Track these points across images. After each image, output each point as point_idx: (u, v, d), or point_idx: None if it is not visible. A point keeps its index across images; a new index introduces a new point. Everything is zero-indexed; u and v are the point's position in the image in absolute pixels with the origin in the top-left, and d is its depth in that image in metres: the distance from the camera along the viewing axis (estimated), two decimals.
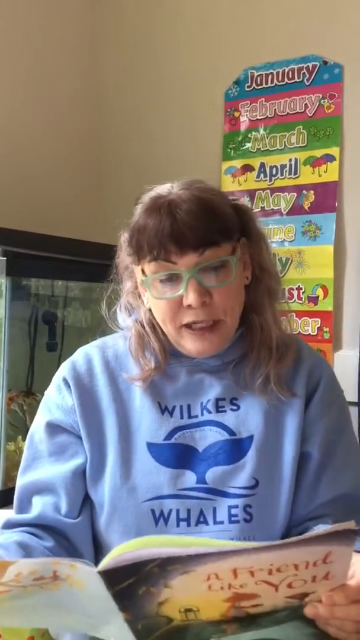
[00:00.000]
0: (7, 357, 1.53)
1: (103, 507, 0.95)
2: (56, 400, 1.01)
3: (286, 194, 1.89)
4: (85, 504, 0.98)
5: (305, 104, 1.87)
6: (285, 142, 1.90)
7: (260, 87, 1.94)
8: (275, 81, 1.92)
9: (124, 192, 2.05)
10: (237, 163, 1.98)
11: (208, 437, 0.96)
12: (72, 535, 0.95)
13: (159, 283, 0.95)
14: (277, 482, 0.94)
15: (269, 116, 1.93)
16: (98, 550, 0.97)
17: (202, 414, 0.98)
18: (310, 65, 1.86)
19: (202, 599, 0.63)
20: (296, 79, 1.88)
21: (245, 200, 1.89)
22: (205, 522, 0.92)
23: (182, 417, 0.98)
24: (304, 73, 1.87)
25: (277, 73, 1.91)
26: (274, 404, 0.98)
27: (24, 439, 1.06)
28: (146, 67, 2.17)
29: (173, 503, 0.92)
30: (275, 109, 1.92)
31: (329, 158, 1.83)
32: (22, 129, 1.97)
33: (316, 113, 1.85)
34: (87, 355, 1.04)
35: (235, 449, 0.95)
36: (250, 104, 1.96)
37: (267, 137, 1.93)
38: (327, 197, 1.82)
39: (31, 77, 2.00)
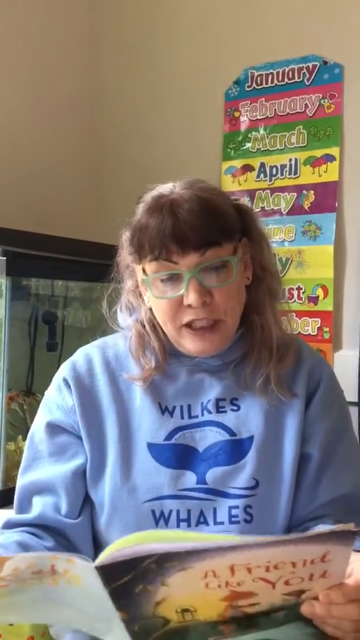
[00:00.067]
0: (7, 357, 1.53)
1: (103, 507, 0.95)
2: (56, 401, 1.01)
3: (286, 194, 1.89)
4: (86, 504, 0.98)
5: (306, 104, 1.87)
6: (285, 142, 1.90)
7: (260, 87, 1.94)
8: (275, 81, 1.92)
9: (124, 192, 2.05)
10: (237, 163, 1.98)
11: (208, 438, 0.96)
12: (72, 536, 0.95)
13: (159, 282, 0.95)
14: (277, 483, 0.94)
15: (269, 116, 1.93)
16: (98, 550, 0.97)
17: (203, 414, 0.98)
18: (310, 65, 1.86)
19: (199, 598, 0.63)
20: (296, 79, 1.88)
21: (245, 200, 1.89)
22: (206, 523, 0.92)
23: (182, 418, 0.98)
24: (304, 73, 1.87)
25: (277, 73, 1.91)
26: (274, 405, 0.98)
27: (24, 439, 1.06)
28: (146, 67, 2.17)
29: (173, 503, 0.92)
30: (275, 109, 1.92)
31: (329, 158, 1.83)
32: (22, 129, 1.97)
33: (316, 113, 1.85)
34: (87, 355, 1.04)
35: (235, 449, 0.95)
36: (251, 104, 1.96)
37: (267, 137, 1.93)
38: (327, 197, 1.82)
39: (31, 78, 2.00)
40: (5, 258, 1.46)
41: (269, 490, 0.93)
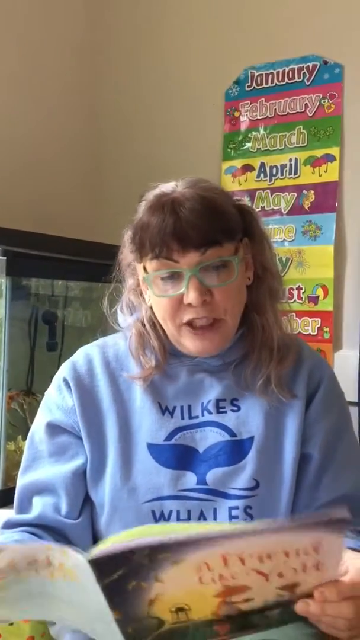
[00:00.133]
0: (7, 357, 1.53)
1: (103, 507, 0.95)
2: (56, 401, 1.01)
3: (286, 193, 1.89)
4: (86, 504, 0.98)
5: (306, 103, 1.87)
6: (285, 142, 1.90)
7: (260, 87, 1.94)
8: (275, 81, 1.92)
9: (124, 192, 2.06)
10: (237, 163, 1.98)
11: (208, 438, 0.96)
12: (72, 536, 0.95)
13: (160, 281, 0.95)
14: (277, 484, 0.94)
15: (269, 116, 1.92)
16: None
17: (203, 415, 0.98)
18: (310, 65, 1.86)
19: (193, 594, 0.62)
20: (296, 79, 1.88)
21: (246, 200, 1.89)
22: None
23: (182, 418, 0.98)
24: (304, 73, 1.87)
25: (278, 73, 1.91)
26: (275, 405, 0.98)
27: (24, 439, 1.06)
28: (146, 67, 2.17)
29: (173, 504, 0.92)
30: (275, 109, 1.92)
31: (329, 158, 1.83)
32: (21, 129, 1.96)
33: (316, 113, 1.85)
34: (87, 355, 1.04)
35: (235, 450, 0.95)
36: (251, 104, 1.96)
37: (267, 137, 1.93)
38: (327, 197, 1.82)
39: (31, 78, 1.99)
40: (5, 258, 1.45)
41: (269, 491, 0.93)
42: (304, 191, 1.86)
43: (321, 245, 1.82)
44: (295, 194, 1.87)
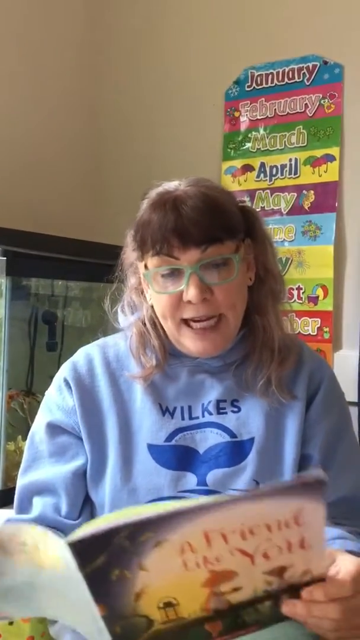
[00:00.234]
0: (7, 356, 1.53)
1: (104, 508, 0.95)
2: (57, 401, 1.01)
3: (286, 193, 1.89)
4: (86, 505, 0.98)
5: (306, 103, 1.87)
6: (285, 142, 1.90)
7: (260, 87, 1.94)
8: (275, 81, 1.92)
9: (124, 192, 2.06)
10: (237, 163, 1.98)
11: (209, 439, 0.96)
12: None
13: (160, 277, 0.95)
14: None
15: (269, 116, 1.92)
16: None
17: (203, 416, 0.98)
18: (310, 65, 1.86)
19: (180, 585, 0.62)
20: (296, 79, 1.88)
21: (246, 201, 1.89)
22: None
23: (183, 419, 0.98)
24: (304, 73, 1.87)
25: (277, 73, 1.91)
26: (275, 406, 0.98)
27: (24, 439, 1.06)
28: (146, 67, 2.16)
29: None
30: (275, 109, 1.92)
31: (329, 158, 1.83)
32: (21, 129, 1.96)
33: (316, 113, 1.85)
34: (88, 355, 1.04)
35: (236, 451, 0.95)
36: (251, 104, 1.96)
37: (267, 137, 1.93)
38: (327, 197, 1.82)
39: (31, 77, 1.99)
40: (5, 258, 1.46)
41: None
42: (304, 191, 1.86)
43: (321, 245, 1.82)
44: (295, 194, 1.87)
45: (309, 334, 1.83)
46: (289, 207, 1.88)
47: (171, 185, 0.96)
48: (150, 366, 0.99)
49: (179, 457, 0.95)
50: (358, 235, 1.80)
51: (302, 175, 1.87)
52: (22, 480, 1.00)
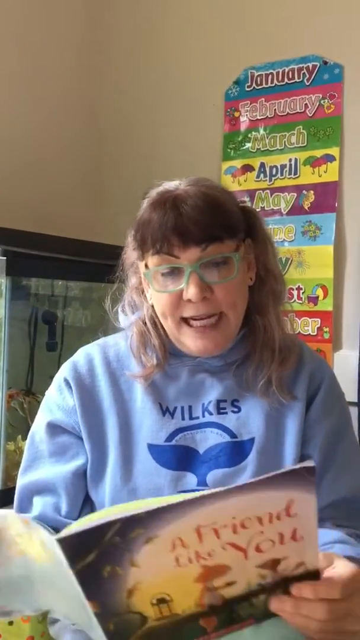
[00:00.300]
0: (7, 356, 1.53)
1: (104, 507, 0.95)
2: (57, 401, 1.01)
3: (286, 194, 1.89)
4: (86, 504, 0.98)
5: (305, 104, 1.87)
6: (285, 142, 1.90)
7: (260, 87, 1.94)
8: (275, 81, 1.92)
9: (124, 192, 2.06)
10: (237, 163, 1.98)
11: (209, 439, 0.96)
12: None
13: (160, 276, 0.95)
14: None
15: (269, 116, 1.93)
16: None
17: (204, 416, 0.98)
18: (310, 65, 1.86)
19: (173, 581, 0.61)
20: (296, 79, 1.88)
21: (246, 200, 1.89)
22: None
23: (183, 419, 0.98)
24: (304, 73, 1.87)
25: (277, 73, 1.91)
26: (275, 407, 0.98)
27: (23, 439, 1.06)
28: (146, 67, 2.16)
29: None
30: (275, 109, 1.92)
31: (329, 158, 1.83)
32: (21, 129, 1.96)
33: (316, 113, 1.85)
34: (88, 355, 1.04)
35: (236, 451, 0.95)
36: (250, 104, 1.96)
37: (267, 137, 1.93)
38: (327, 197, 1.82)
39: (30, 77, 1.99)
40: (5, 258, 1.46)
41: None
42: (304, 191, 1.86)
43: (321, 246, 1.82)
44: (295, 194, 1.87)
45: (309, 334, 1.83)
46: (289, 207, 1.88)
47: (171, 184, 0.96)
48: (150, 365, 0.99)
49: (179, 457, 0.95)
50: (358, 235, 1.80)
51: (302, 176, 1.87)
52: (22, 480, 1.00)
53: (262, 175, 1.93)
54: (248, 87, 1.96)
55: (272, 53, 1.92)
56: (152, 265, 0.95)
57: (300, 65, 1.87)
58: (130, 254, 1.02)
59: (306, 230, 1.85)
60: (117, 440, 0.97)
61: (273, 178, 1.91)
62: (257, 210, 1.84)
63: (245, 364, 1.01)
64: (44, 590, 0.66)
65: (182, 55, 2.09)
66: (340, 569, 0.69)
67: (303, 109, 1.87)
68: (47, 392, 1.05)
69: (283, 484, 0.60)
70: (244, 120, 1.97)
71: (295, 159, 1.88)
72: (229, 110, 2.00)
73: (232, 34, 2.00)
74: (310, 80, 1.86)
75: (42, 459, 0.99)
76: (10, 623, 1.05)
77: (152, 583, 0.61)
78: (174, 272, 0.93)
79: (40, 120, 2.03)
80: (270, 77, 1.92)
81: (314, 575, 0.67)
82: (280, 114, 1.91)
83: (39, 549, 0.60)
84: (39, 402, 1.07)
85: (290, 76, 1.89)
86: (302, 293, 1.85)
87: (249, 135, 1.96)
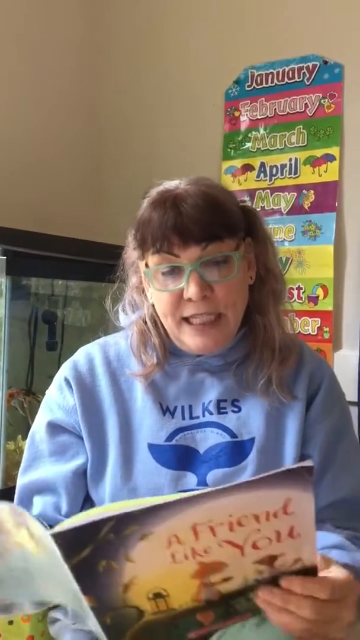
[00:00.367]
0: (7, 356, 1.53)
1: None
2: (57, 400, 1.01)
3: (286, 193, 1.89)
4: (86, 504, 0.98)
5: (306, 103, 1.87)
6: (285, 141, 1.90)
7: (260, 86, 1.94)
8: (275, 81, 1.92)
9: (124, 192, 2.06)
10: (237, 163, 1.98)
11: (209, 439, 0.96)
12: None
13: (161, 275, 0.95)
14: None
15: (269, 116, 1.93)
16: None
17: (204, 415, 0.98)
18: (310, 64, 1.86)
19: (169, 577, 0.61)
20: (296, 79, 1.88)
21: (246, 200, 1.89)
22: None
23: (183, 418, 0.98)
24: (304, 73, 1.87)
25: (278, 72, 1.91)
26: (275, 406, 0.98)
27: (24, 438, 1.06)
28: (146, 66, 2.17)
29: None
30: (275, 109, 1.92)
31: (329, 158, 1.83)
32: (21, 128, 1.96)
33: (316, 113, 1.85)
34: (88, 355, 1.04)
35: (236, 451, 0.95)
36: (251, 104, 1.96)
37: (267, 137, 1.93)
38: (327, 197, 1.82)
39: (30, 77, 1.99)
40: (5, 257, 1.46)
41: None
42: (304, 191, 1.86)
43: (321, 245, 1.82)
44: (295, 193, 1.87)
45: (309, 333, 1.83)
46: (289, 206, 1.88)
47: (172, 184, 0.97)
48: (151, 364, 0.99)
49: (179, 457, 0.95)
50: (358, 235, 1.80)
51: (302, 175, 1.87)
52: (23, 480, 1.00)
53: (262, 174, 1.93)
54: (248, 86, 1.96)
55: (272, 52, 1.92)
56: (153, 265, 0.95)
57: (301, 65, 1.87)
58: (131, 253, 1.02)
59: (306, 230, 1.85)
60: (117, 440, 0.97)
61: (273, 178, 1.91)
62: (257, 209, 1.84)
63: (246, 364, 1.01)
64: (44, 583, 0.66)
65: (182, 55, 2.09)
66: (334, 573, 0.70)
67: (303, 109, 1.87)
68: (47, 392, 1.05)
69: (280, 482, 0.60)
70: (244, 120, 1.97)
71: (296, 159, 1.88)
72: (229, 109, 2.00)
73: (232, 34, 2.00)
74: (311, 80, 1.86)
75: (43, 458, 0.99)
76: (10, 622, 1.05)
77: (148, 578, 0.61)
78: (174, 271, 0.93)
79: (40, 120, 2.03)
80: (270, 76, 1.92)
81: (311, 571, 0.67)
82: (280, 114, 1.91)
83: (35, 541, 0.60)
84: (39, 402, 1.07)
85: (291, 76, 1.89)
86: (302, 293, 1.85)
87: (249, 135, 1.96)
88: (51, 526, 0.92)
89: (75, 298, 1.87)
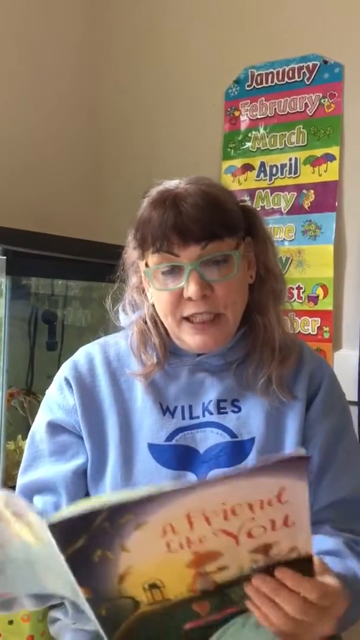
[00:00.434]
0: (7, 356, 1.53)
1: None
2: (57, 400, 1.01)
3: (286, 193, 1.89)
4: None
5: (306, 103, 1.87)
6: (285, 141, 1.90)
7: (260, 86, 1.94)
8: (275, 80, 1.92)
9: (124, 192, 2.06)
10: (237, 162, 1.98)
11: (209, 439, 0.96)
12: None
13: (161, 275, 0.95)
14: None
15: (269, 115, 1.92)
16: None
17: (204, 415, 0.98)
18: (310, 64, 1.86)
19: (164, 567, 0.61)
20: (296, 78, 1.88)
21: (246, 200, 1.89)
22: None
23: (183, 418, 0.98)
24: (304, 72, 1.87)
25: (278, 72, 1.91)
26: (275, 406, 0.98)
27: (23, 438, 1.06)
28: (146, 66, 2.16)
29: None
30: (275, 108, 1.92)
31: (329, 157, 1.83)
32: (21, 128, 1.96)
33: (316, 112, 1.85)
34: (88, 354, 1.04)
35: (236, 451, 0.95)
36: (251, 103, 1.96)
37: (267, 137, 1.93)
38: (327, 197, 1.82)
39: (30, 76, 1.99)
40: (5, 257, 1.46)
41: None
42: (304, 191, 1.86)
43: (321, 245, 1.82)
44: (295, 193, 1.87)
45: (309, 333, 1.83)
46: (289, 206, 1.88)
47: (171, 183, 0.97)
48: (151, 364, 1.00)
49: (179, 457, 0.95)
50: (358, 235, 1.80)
51: (302, 175, 1.87)
52: (23, 479, 1.00)
53: (262, 174, 1.93)
54: (248, 86, 1.96)
55: (272, 52, 1.92)
56: (153, 264, 0.95)
57: (301, 65, 1.87)
58: (131, 253, 1.02)
59: (306, 230, 1.85)
60: (117, 440, 0.97)
61: (273, 177, 1.91)
62: (257, 209, 1.84)
63: (246, 363, 1.01)
64: (45, 574, 0.66)
65: (182, 55, 2.09)
66: (327, 581, 0.70)
67: (303, 108, 1.87)
68: (47, 392, 1.05)
69: (274, 472, 0.60)
70: (244, 120, 1.97)
71: (296, 158, 1.88)
72: (229, 109, 2.00)
73: (232, 34, 2.00)
74: (311, 80, 1.86)
75: (43, 458, 0.99)
76: (10, 622, 1.05)
77: (144, 568, 0.61)
78: (174, 271, 0.94)
79: (40, 120, 2.03)
80: (270, 76, 1.92)
81: (306, 560, 0.67)
82: (280, 113, 1.91)
83: (34, 532, 0.60)
84: (39, 402, 1.07)
85: (291, 75, 1.89)
86: (302, 292, 1.85)
87: (249, 135, 1.96)
88: None
89: (75, 298, 1.87)
